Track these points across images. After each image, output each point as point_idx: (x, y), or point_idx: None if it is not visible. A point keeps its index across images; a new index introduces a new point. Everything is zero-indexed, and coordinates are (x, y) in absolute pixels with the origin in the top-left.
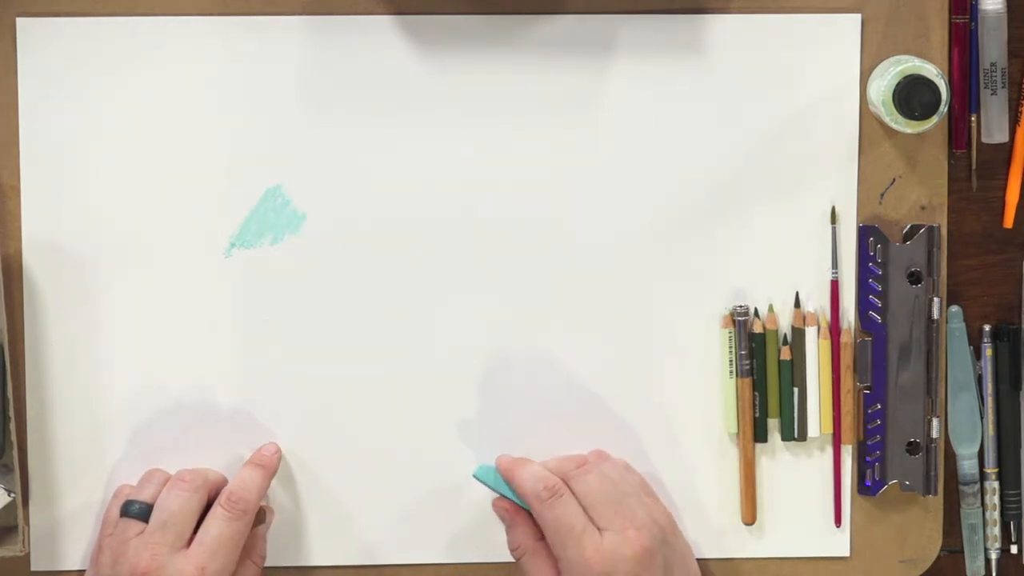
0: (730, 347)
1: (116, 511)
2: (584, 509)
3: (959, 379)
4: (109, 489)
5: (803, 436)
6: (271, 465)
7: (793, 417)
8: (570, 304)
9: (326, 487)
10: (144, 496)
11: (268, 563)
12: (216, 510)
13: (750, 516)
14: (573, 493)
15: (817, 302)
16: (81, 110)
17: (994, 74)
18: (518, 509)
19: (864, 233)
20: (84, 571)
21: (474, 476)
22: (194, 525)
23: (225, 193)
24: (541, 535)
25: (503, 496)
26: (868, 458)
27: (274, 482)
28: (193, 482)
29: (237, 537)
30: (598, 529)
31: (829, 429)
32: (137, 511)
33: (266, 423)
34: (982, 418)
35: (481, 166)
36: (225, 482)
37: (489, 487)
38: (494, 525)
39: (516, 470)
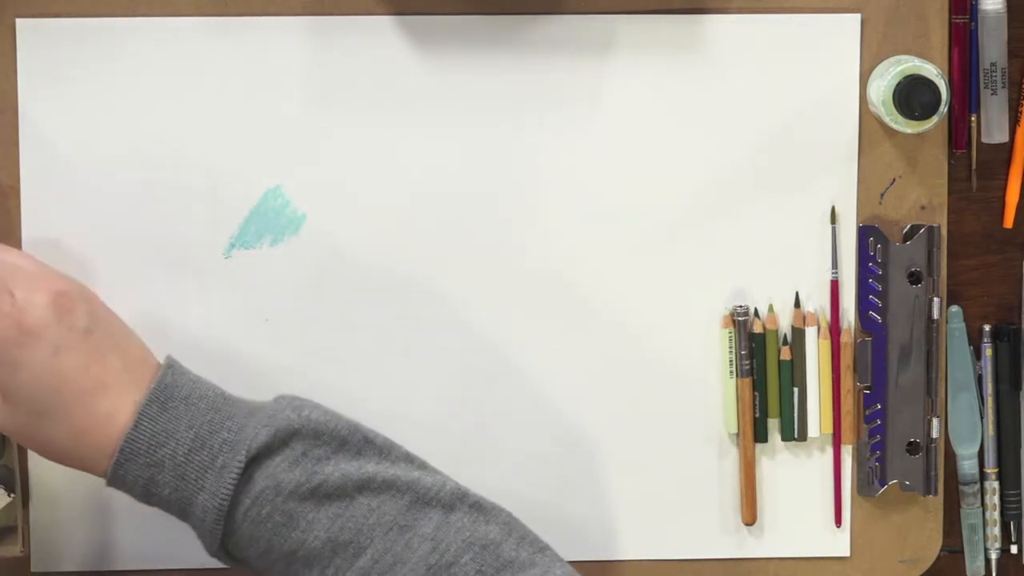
0: (730, 347)
1: None
2: None
3: (959, 379)
4: (108, 489)
5: (803, 436)
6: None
7: (793, 417)
8: (570, 304)
9: None
10: None
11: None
12: None
13: (750, 516)
14: None
15: (817, 302)
16: (81, 110)
17: (994, 74)
18: None
19: (864, 233)
20: (84, 571)
21: None
22: None
23: (225, 193)
24: None
25: None
26: (868, 458)
27: None
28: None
29: None
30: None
31: (829, 429)
32: None
33: None
34: (982, 418)
35: (481, 166)
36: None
37: None
38: None
39: None
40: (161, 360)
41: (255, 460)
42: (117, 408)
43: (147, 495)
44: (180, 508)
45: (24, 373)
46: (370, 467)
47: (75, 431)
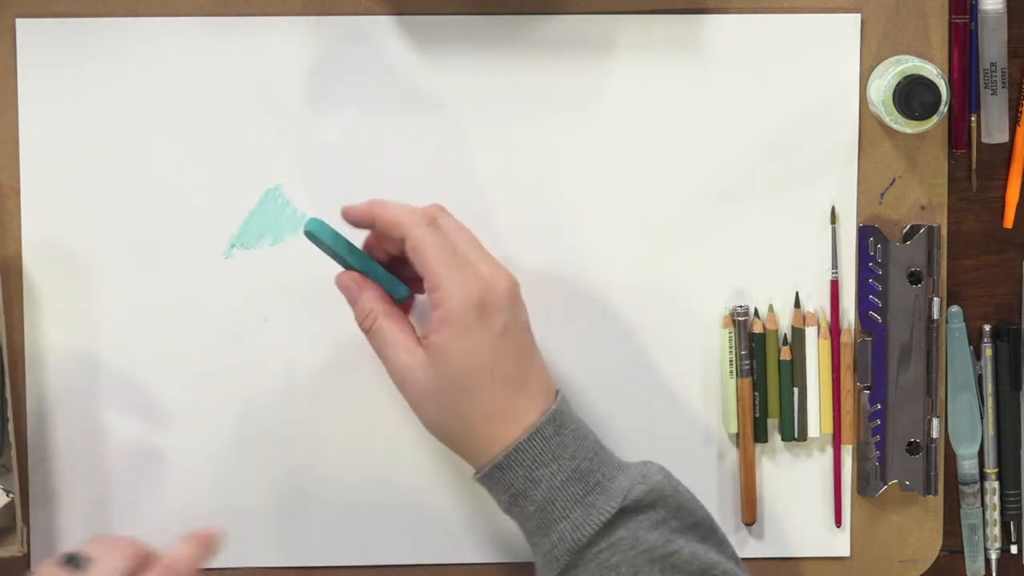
0: (730, 347)
1: (56, 559)
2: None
3: (959, 379)
4: (108, 490)
5: (803, 436)
6: (211, 548)
7: (793, 417)
8: (570, 303)
9: (326, 487)
10: (86, 551)
11: (269, 563)
12: None
13: (750, 516)
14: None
15: (817, 302)
16: (81, 110)
17: (994, 74)
18: (365, 278)
19: (864, 233)
20: None
21: (305, 232)
22: None
23: (225, 193)
24: (391, 299)
25: (343, 265)
26: (868, 458)
27: (276, 481)
28: (134, 549)
29: None
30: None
31: (829, 429)
32: (73, 562)
33: (265, 422)
34: (982, 418)
35: (481, 166)
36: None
37: (323, 246)
38: (494, 525)
39: (379, 207)
40: (555, 385)
41: (624, 510)
42: (526, 410)
43: (511, 503)
44: (538, 526)
45: (468, 342)
46: (713, 555)
47: (482, 415)
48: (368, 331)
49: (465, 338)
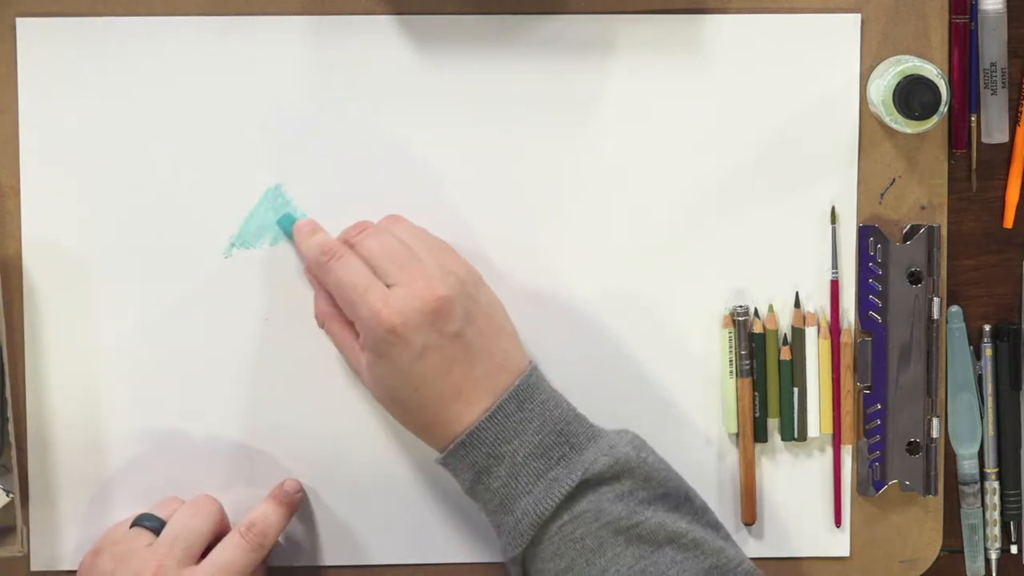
0: (730, 347)
1: (125, 526)
2: (371, 269)
3: (959, 379)
4: (108, 489)
5: (803, 436)
6: (293, 504)
7: (793, 417)
8: (569, 303)
9: (326, 487)
10: (159, 513)
11: (269, 563)
12: (234, 537)
13: (750, 516)
14: (359, 255)
15: (817, 302)
16: (81, 110)
17: (994, 74)
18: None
19: (864, 233)
20: None
21: (277, 223)
22: (203, 546)
23: (225, 193)
24: None
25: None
26: (868, 458)
27: (275, 481)
28: (210, 506)
29: (247, 568)
30: (387, 287)
31: (829, 429)
32: (149, 523)
33: (265, 421)
34: (982, 418)
35: (480, 166)
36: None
37: (290, 239)
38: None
39: (301, 239)
40: (527, 358)
41: (586, 482)
42: (463, 416)
43: (475, 482)
44: (501, 503)
45: (387, 366)
46: (683, 524)
47: (422, 423)
48: (321, 328)
49: (380, 364)
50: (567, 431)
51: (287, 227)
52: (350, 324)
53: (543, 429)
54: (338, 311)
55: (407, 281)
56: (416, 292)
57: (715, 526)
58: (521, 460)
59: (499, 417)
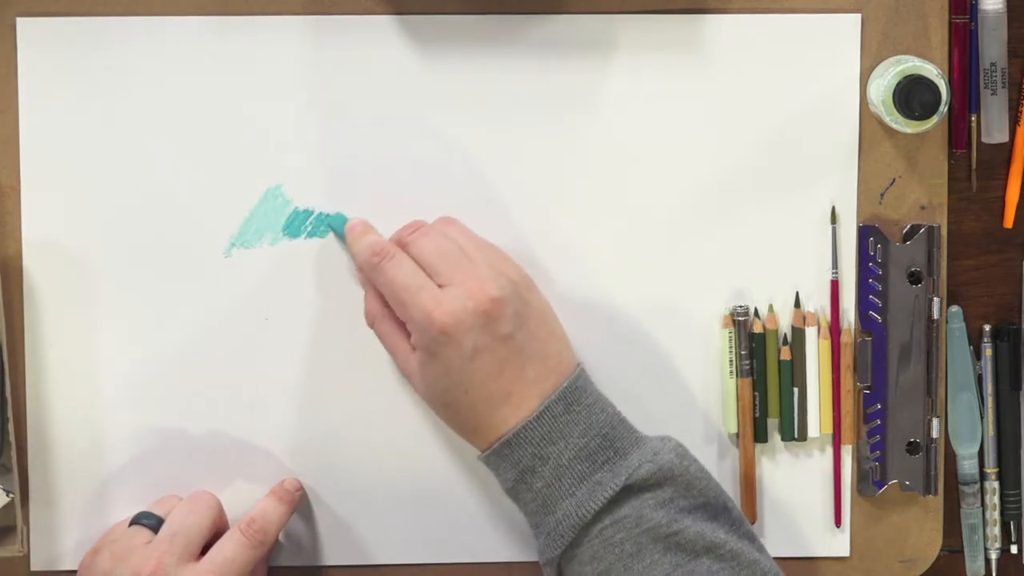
0: (730, 347)
1: (124, 525)
2: (423, 269)
3: (959, 379)
4: (108, 489)
5: (803, 436)
6: (294, 501)
7: (793, 417)
8: (569, 303)
9: (326, 487)
10: (157, 511)
11: (269, 562)
12: (234, 533)
13: (750, 516)
14: (410, 256)
15: (817, 302)
16: (81, 110)
17: (994, 74)
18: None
19: (864, 233)
20: None
21: (328, 224)
22: (203, 543)
23: (225, 193)
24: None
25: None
26: (868, 458)
27: (276, 481)
28: (208, 502)
29: (248, 565)
30: (439, 287)
31: (829, 429)
32: (148, 521)
33: (265, 421)
34: (982, 418)
35: (480, 166)
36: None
37: (341, 240)
38: (494, 525)
39: (353, 239)
40: (576, 360)
41: (629, 488)
42: (510, 418)
43: (518, 482)
44: (543, 504)
45: (438, 367)
46: (721, 534)
47: (471, 426)
48: (373, 329)
49: (431, 364)
50: (612, 435)
51: (339, 227)
52: (400, 325)
53: (589, 432)
54: (388, 311)
55: (459, 282)
56: (468, 293)
57: (751, 537)
58: (566, 462)
59: (546, 418)
